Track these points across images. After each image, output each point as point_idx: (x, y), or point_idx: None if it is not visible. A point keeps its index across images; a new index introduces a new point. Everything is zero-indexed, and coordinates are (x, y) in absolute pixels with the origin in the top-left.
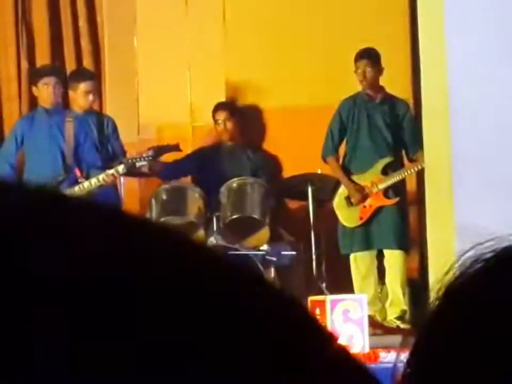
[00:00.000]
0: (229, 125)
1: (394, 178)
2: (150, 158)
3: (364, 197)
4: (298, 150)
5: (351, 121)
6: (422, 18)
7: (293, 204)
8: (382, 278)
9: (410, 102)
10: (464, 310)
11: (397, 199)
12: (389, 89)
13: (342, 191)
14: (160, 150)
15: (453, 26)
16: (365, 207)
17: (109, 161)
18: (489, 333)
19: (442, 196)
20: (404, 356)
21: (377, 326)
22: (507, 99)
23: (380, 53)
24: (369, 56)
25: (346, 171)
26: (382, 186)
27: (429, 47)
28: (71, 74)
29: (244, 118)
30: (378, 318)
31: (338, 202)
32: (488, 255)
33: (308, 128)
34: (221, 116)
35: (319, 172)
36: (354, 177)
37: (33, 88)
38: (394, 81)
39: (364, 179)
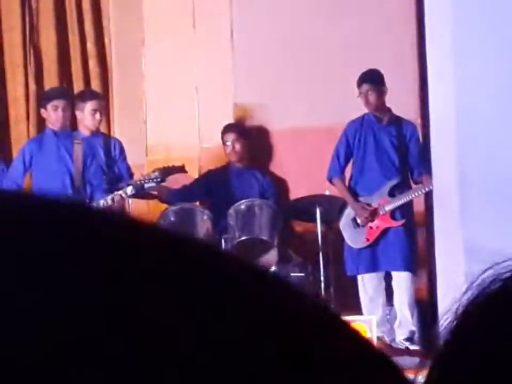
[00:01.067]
0: (238, 146)
1: (401, 200)
2: (158, 179)
3: (371, 219)
4: (306, 171)
5: (358, 143)
6: (430, 37)
7: (301, 225)
8: (390, 299)
9: (418, 122)
10: (485, 331)
11: (403, 221)
12: (396, 110)
13: (349, 212)
14: (167, 171)
15: (461, 45)
16: (371, 228)
17: (116, 183)
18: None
19: (450, 217)
20: (421, 377)
21: (386, 348)
22: None
23: (384, 74)
24: (372, 80)
25: (353, 192)
26: (388, 207)
27: (437, 67)
28: (77, 95)
29: (252, 140)
30: (387, 339)
31: (344, 223)
32: (507, 275)
33: (316, 149)
34: (230, 137)
35: (327, 193)
36: (361, 199)
37: (42, 110)
38: (402, 102)
39: (370, 200)
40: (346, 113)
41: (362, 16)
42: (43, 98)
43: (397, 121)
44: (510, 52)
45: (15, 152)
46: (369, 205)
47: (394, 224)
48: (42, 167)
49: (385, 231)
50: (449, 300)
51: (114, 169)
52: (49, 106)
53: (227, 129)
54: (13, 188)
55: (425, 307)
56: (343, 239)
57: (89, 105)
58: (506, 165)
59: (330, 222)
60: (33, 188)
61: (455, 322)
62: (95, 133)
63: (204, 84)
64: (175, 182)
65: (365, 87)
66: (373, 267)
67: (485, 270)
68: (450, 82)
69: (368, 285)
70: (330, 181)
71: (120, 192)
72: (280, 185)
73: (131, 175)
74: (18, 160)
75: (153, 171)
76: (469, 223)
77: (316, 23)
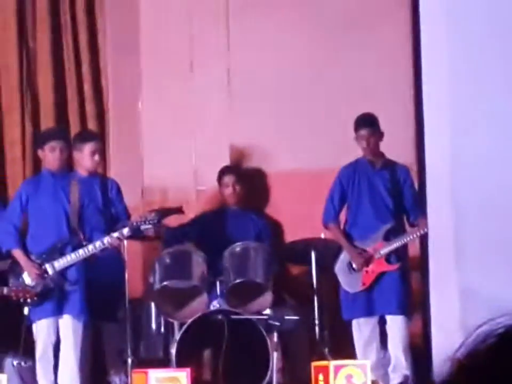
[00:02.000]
0: (237, 188)
1: (396, 244)
2: (155, 221)
3: (366, 263)
4: (302, 214)
5: (351, 187)
6: (426, 80)
7: (296, 269)
8: (384, 343)
9: (414, 167)
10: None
11: (399, 264)
12: (392, 154)
13: (344, 256)
14: (164, 213)
15: (458, 89)
16: (367, 272)
17: (113, 224)
18: None
19: (445, 261)
20: None
21: None
22: None
23: (379, 117)
24: (371, 124)
25: (348, 236)
26: (384, 251)
27: (433, 111)
28: (76, 136)
29: (249, 182)
30: None
31: (340, 268)
32: (500, 331)
33: (312, 192)
34: (229, 179)
35: (322, 236)
36: (356, 243)
37: (39, 151)
38: (397, 146)
39: (365, 245)
40: (342, 156)
41: (356, 62)
42: (40, 138)
43: (390, 165)
44: (508, 95)
45: (11, 193)
46: (364, 249)
47: (390, 268)
48: (39, 207)
49: (380, 275)
50: (444, 344)
51: (112, 210)
52: (46, 147)
53: (226, 171)
54: (9, 228)
55: (420, 352)
56: (337, 283)
57: (88, 147)
58: (502, 210)
59: (325, 265)
60: (29, 228)
61: (450, 376)
62: (93, 173)
63: (200, 127)
64: (172, 221)
65: (364, 131)
66: (368, 311)
67: (480, 326)
68: (446, 126)
69: (363, 329)
70: (325, 226)
71: (116, 233)
72: (275, 228)
73: (128, 216)
74: (15, 201)
75: (151, 212)
76: (465, 267)
77: (313, 67)
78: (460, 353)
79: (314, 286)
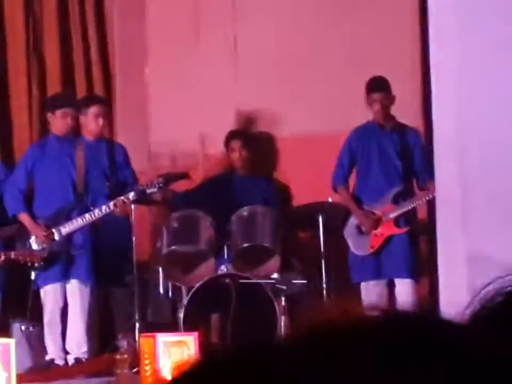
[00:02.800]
0: (243, 153)
1: (405, 207)
2: (161, 185)
3: (375, 226)
4: (308, 178)
5: (361, 151)
6: (433, 42)
7: (303, 233)
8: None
9: (421, 130)
10: (489, 345)
11: (407, 228)
12: (399, 117)
13: (353, 220)
14: (170, 177)
15: (466, 52)
16: (375, 236)
17: (119, 188)
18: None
19: (453, 225)
20: None
21: None
22: None
23: (390, 82)
24: (382, 88)
25: (357, 200)
26: (392, 215)
27: (440, 74)
28: (81, 100)
29: (257, 147)
30: None
31: (349, 231)
32: (509, 289)
33: (319, 156)
34: (236, 144)
35: (329, 200)
36: (365, 206)
37: (48, 114)
38: (405, 109)
39: (374, 208)
40: (349, 120)
41: (364, 25)
42: (52, 103)
43: (401, 129)
44: None
45: (18, 159)
46: (373, 212)
47: (398, 231)
48: (44, 172)
49: (389, 238)
50: (452, 308)
51: (118, 175)
52: (58, 112)
53: (232, 135)
54: (15, 192)
55: None
56: (345, 247)
57: (92, 110)
58: (510, 174)
59: (333, 229)
60: (36, 193)
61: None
62: (99, 138)
63: (207, 91)
64: (179, 186)
65: (376, 95)
66: (377, 274)
67: (487, 284)
68: (454, 90)
69: (372, 291)
70: (334, 189)
71: (122, 197)
72: (283, 192)
73: (136, 181)
74: (21, 166)
75: (159, 176)
76: (472, 231)
77: (319, 30)
78: (466, 314)
79: (322, 250)
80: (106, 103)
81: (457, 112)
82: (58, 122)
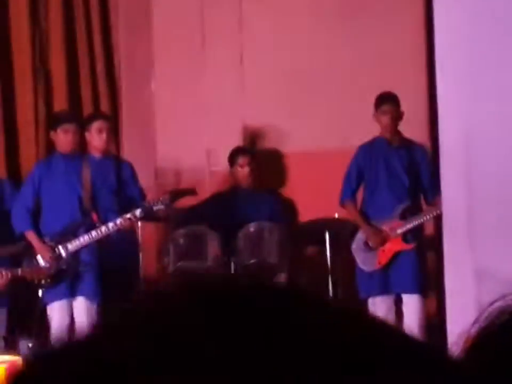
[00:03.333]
0: (249, 169)
1: (412, 223)
2: (167, 202)
3: (383, 242)
4: (315, 194)
5: (369, 166)
6: (439, 61)
7: (310, 249)
8: (399, 323)
9: (428, 145)
10: (495, 361)
11: (415, 244)
12: (406, 133)
13: (360, 235)
14: (177, 194)
15: (472, 67)
16: (383, 251)
17: (126, 205)
18: None
19: (459, 241)
20: None
21: None
22: None
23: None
24: (393, 100)
25: (364, 215)
26: (400, 231)
27: (446, 90)
28: (86, 117)
29: (263, 163)
30: None
31: (356, 247)
32: None
33: (325, 172)
34: (242, 160)
35: (336, 216)
36: (373, 222)
37: (52, 133)
38: (410, 125)
39: (382, 224)
40: (355, 136)
41: (373, 41)
42: (53, 121)
43: (408, 144)
44: None
45: (24, 176)
46: (381, 228)
47: (406, 247)
48: (51, 189)
49: (396, 254)
50: (458, 324)
51: (126, 192)
52: (59, 129)
53: (238, 151)
54: (22, 210)
55: (434, 331)
56: (352, 263)
57: (95, 125)
58: None
59: (340, 245)
60: (43, 210)
61: (466, 352)
62: (106, 155)
63: (214, 107)
64: (186, 202)
65: (386, 107)
66: (385, 290)
67: (493, 302)
68: (461, 104)
69: (379, 308)
70: (342, 205)
71: (128, 215)
72: (289, 208)
73: (143, 198)
74: (28, 183)
75: (165, 193)
76: (478, 247)
77: (326, 45)
78: (472, 332)
79: (329, 266)
80: (110, 118)
81: (464, 127)
82: (61, 139)
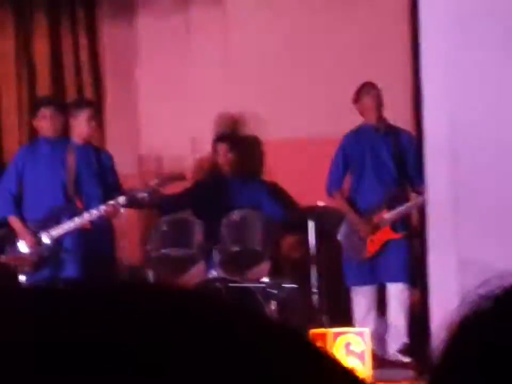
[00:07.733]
0: (230, 156)
1: (400, 211)
2: (151, 189)
3: (372, 232)
4: (298, 182)
5: (355, 153)
6: (424, 47)
7: (294, 236)
8: (381, 311)
9: (413, 133)
10: (479, 348)
11: (404, 233)
12: (391, 120)
13: (348, 224)
14: (167, 179)
15: (456, 56)
16: (372, 241)
17: (109, 192)
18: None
19: (444, 230)
20: None
21: (378, 360)
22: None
23: (381, 86)
24: (374, 88)
25: (352, 203)
26: (388, 217)
27: (431, 77)
28: (71, 103)
29: (245, 150)
30: (378, 352)
31: (344, 236)
32: (498, 292)
33: (308, 160)
34: (222, 147)
35: (319, 204)
36: (360, 210)
37: (34, 121)
38: (396, 112)
39: (370, 212)
40: (337, 124)
41: (357, 28)
42: (33, 107)
43: (394, 131)
44: (507, 58)
45: (7, 162)
46: (368, 217)
47: (395, 236)
48: (35, 174)
49: (385, 243)
50: (442, 312)
51: (107, 180)
52: (38, 114)
53: (219, 139)
54: (5, 196)
55: (418, 320)
56: (337, 251)
57: (84, 113)
58: (501, 177)
59: (324, 233)
60: (26, 196)
61: (448, 340)
62: (87, 143)
63: (197, 94)
64: (169, 189)
65: (367, 96)
66: (373, 278)
67: (477, 288)
68: (445, 93)
69: (364, 296)
70: (329, 194)
71: (112, 201)
72: (273, 196)
73: (119, 189)
74: (11, 168)
75: (152, 179)
76: (463, 235)
77: (308, 33)
78: (455, 319)
79: (311, 253)
80: (98, 107)
81: (449, 117)
82: (41, 124)
